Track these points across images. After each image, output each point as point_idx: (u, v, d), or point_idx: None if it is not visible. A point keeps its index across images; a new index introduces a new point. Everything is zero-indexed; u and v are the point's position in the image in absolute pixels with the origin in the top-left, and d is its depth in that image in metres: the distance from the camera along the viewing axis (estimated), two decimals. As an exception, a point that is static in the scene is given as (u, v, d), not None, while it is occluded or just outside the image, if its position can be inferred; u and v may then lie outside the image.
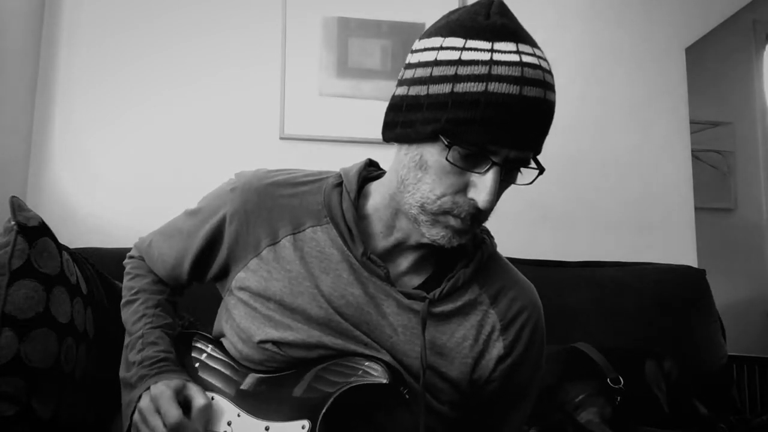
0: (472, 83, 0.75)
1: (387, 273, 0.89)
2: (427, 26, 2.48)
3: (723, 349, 1.93)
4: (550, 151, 2.49)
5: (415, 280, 0.93)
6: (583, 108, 2.26)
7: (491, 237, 0.98)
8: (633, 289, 1.92)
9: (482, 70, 0.75)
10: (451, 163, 0.78)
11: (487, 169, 0.78)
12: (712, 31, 2.35)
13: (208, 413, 0.89)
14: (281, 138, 2.08)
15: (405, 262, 0.92)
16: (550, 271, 1.90)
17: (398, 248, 0.92)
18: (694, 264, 2.20)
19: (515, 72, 0.75)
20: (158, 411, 0.87)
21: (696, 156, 2.33)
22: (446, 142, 0.77)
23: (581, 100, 2.26)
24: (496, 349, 0.91)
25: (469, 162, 0.78)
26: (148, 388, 0.91)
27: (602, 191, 2.24)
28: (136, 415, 0.90)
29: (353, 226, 0.90)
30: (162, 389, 0.89)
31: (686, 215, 2.28)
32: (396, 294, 0.89)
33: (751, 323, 2.22)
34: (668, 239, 2.25)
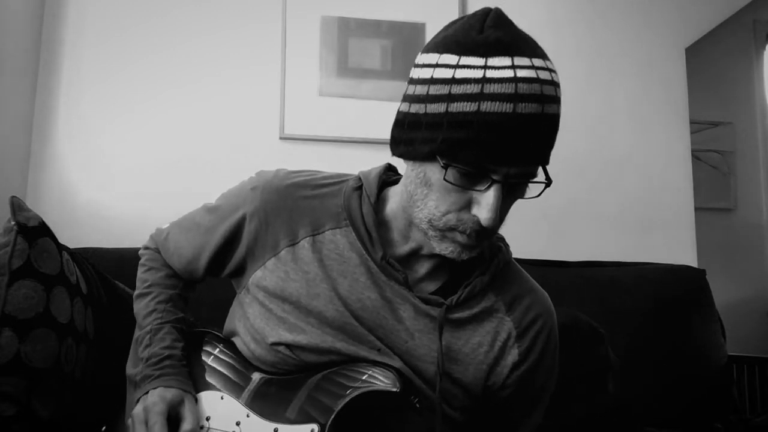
0: (465, 103, 0.74)
1: (405, 277, 0.89)
2: (427, 26, 2.47)
3: (723, 349, 1.93)
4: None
5: (431, 286, 0.93)
6: (583, 108, 2.26)
7: (506, 245, 0.98)
8: (633, 289, 1.92)
9: (474, 89, 0.74)
10: (449, 182, 0.77)
11: (488, 187, 0.77)
12: (712, 31, 2.35)
13: None
14: (281, 138, 2.07)
15: (422, 268, 0.93)
16: (550, 271, 1.90)
17: (414, 256, 0.92)
18: (694, 264, 2.20)
19: (508, 89, 0.73)
20: (146, 423, 0.87)
21: (696, 156, 2.33)
22: (442, 164, 0.77)
23: (581, 100, 2.26)
24: (512, 355, 0.92)
25: (469, 180, 0.78)
26: (147, 393, 0.91)
27: (602, 191, 2.24)
28: (129, 420, 0.91)
29: (373, 231, 0.90)
30: (156, 401, 0.89)
31: (686, 215, 2.28)
32: (413, 299, 0.89)
33: (751, 323, 2.22)
34: (668, 239, 2.25)
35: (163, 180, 1.99)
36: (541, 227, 2.18)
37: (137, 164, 2.00)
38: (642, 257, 2.12)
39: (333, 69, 2.12)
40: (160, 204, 1.96)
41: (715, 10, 2.37)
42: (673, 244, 2.25)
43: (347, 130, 2.10)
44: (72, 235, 1.69)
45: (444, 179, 0.77)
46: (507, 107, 0.73)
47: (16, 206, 1.11)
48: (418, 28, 2.15)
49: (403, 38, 2.15)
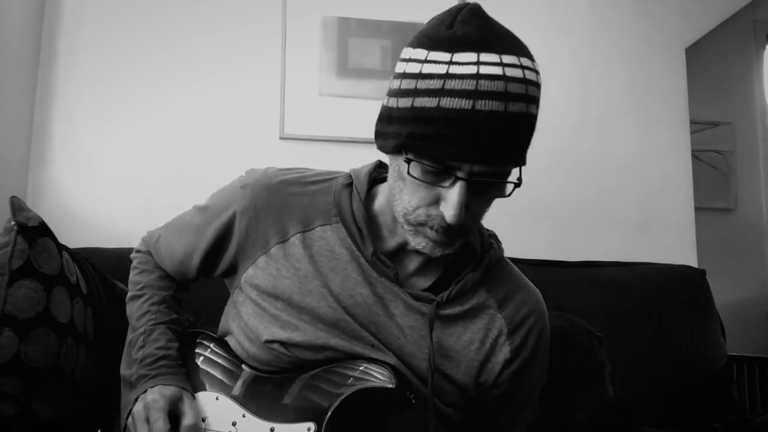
0: (428, 98, 0.74)
1: (396, 274, 0.89)
2: (427, 26, 2.42)
3: (723, 349, 1.93)
4: (549, 150, 2.49)
5: (422, 282, 0.93)
6: (584, 108, 2.26)
7: (499, 242, 0.98)
8: (633, 289, 1.92)
9: (437, 84, 0.73)
10: (414, 177, 0.78)
11: (452, 184, 0.77)
12: (712, 31, 2.35)
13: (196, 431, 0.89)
14: (281, 138, 2.07)
15: (412, 264, 0.93)
16: (550, 271, 1.90)
17: (403, 251, 0.92)
18: (694, 264, 2.20)
19: (469, 85, 0.72)
20: (148, 420, 0.87)
21: (696, 156, 2.33)
22: (405, 158, 0.77)
23: (581, 100, 2.26)
24: (503, 353, 0.92)
25: (435, 176, 0.77)
26: (145, 392, 0.91)
27: (602, 191, 2.24)
28: (129, 420, 0.91)
29: (363, 226, 0.90)
30: (156, 398, 0.89)
31: (686, 215, 2.28)
32: (404, 295, 0.89)
33: (751, 323, 2.22)
34: (668, 239, 2.25)
35: (164, 180, 1.99)
36: (541, 227, 2.18)
37: (137, 164, 2.00)
38: (642, 257, 2.12)
39: (333, 69, 2.12)
40: (160, 204, 1.95)
41: (715, 10, 2.36)
42: (673, 244, 2.24)
43: (347, 130, 2.10)
44: (72, 235, 1.69)
45: (408, 174, 0.78)
46: (466, 104, 0.72)
47: (16, 206, 1.11)
48: (418, 29, 2.15)
49: (403, 38, 2.15)
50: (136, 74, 2.03)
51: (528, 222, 2.15)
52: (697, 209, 2.29)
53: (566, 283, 1.88)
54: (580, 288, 1.89)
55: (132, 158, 2.00)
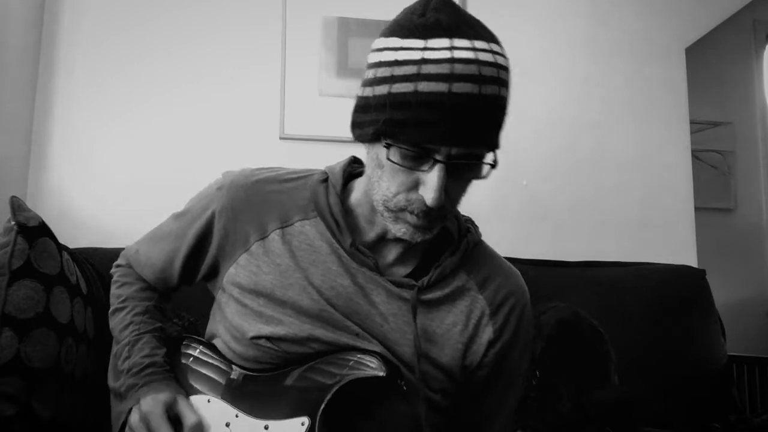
0: (404, 84, 0.76)
1: (375, 262, 0.90)
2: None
3: (723, 349, 1.93)
4: (549, 150, 2.49)
5: (402, 271, 0.94)
6: (584, 108, 2.26)
7: (476, 226, 1.00)
8: (633, 289, 1.92)
9: (413, 70, 0.76)
10: (393, 162, 0.79)
11: (431, 167, 0.78)
12: (712, 31, 2.35)
13: (200, 430, 0.89)
14: (281, 138, 2.08)
15: (391, 254, 0.94)
16: (550, 271, 1.90)
17: (382, 241, 0.93)
18: (694, 264, 2.20)
19: (444, 69, 0.74)
20: (149, 430, 0.87)
21: (696, 156, 2.33)
22: (384, 144, 0.79)
23: (581, 100, 2.26)
24: (486, 333, 0.93)
25: (414, 161, 0.79)
26: (138, 402, 0.91)
27: (602, 191, 2.24)
28: (127, 430, 0.90)
29: (340, 219, 0.91)
30: (152, 406, 0.89)
31: (686, 215, 2.28)
32: (385, 283, 0.90)
33: (751, 323, 2.22)
34: (668, 239, 2.25)
35: (164, 179, 1.99)
36: (541, 227, 2.18)
37: (137, 163, 2.00)
38: (642, 257, 2.12)
39: (333, 69, 2.12)
40: (160, 204, 1.94)
41: (715, 10, 2.37)
42: (673, 244, 2.24)
43: (347, 130, 2.09)
44: (72, 235, 1.69)
45: (388, 159, 0.79)
46: (442, 87, 0.74)
47: (16, 206, 1.11)
48: (418, 28, 2.15)
49: (403, 38, 2.15)
50: (136, 74, 2.03)
51: (528, 222, 2.15)
52: (697, 209, 2.29)
53: (566, 283, 1.88)
54: (580, 288, 1.89)
55: (132, 158, 2.00)
